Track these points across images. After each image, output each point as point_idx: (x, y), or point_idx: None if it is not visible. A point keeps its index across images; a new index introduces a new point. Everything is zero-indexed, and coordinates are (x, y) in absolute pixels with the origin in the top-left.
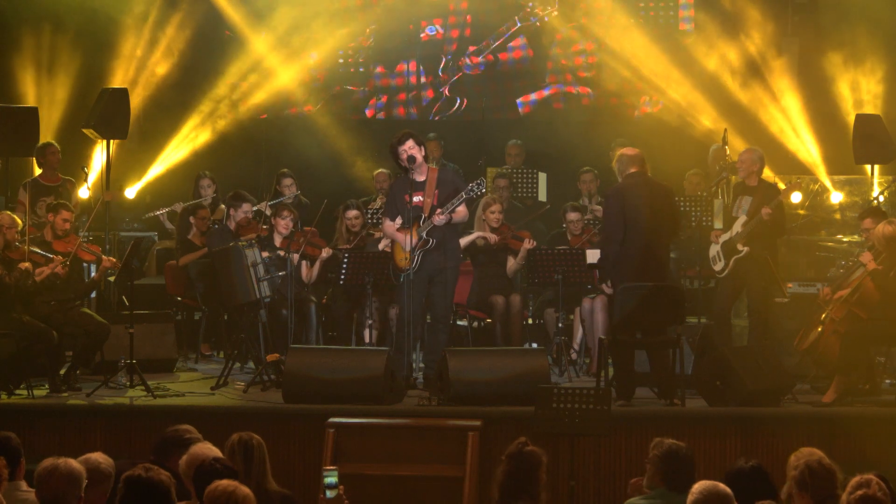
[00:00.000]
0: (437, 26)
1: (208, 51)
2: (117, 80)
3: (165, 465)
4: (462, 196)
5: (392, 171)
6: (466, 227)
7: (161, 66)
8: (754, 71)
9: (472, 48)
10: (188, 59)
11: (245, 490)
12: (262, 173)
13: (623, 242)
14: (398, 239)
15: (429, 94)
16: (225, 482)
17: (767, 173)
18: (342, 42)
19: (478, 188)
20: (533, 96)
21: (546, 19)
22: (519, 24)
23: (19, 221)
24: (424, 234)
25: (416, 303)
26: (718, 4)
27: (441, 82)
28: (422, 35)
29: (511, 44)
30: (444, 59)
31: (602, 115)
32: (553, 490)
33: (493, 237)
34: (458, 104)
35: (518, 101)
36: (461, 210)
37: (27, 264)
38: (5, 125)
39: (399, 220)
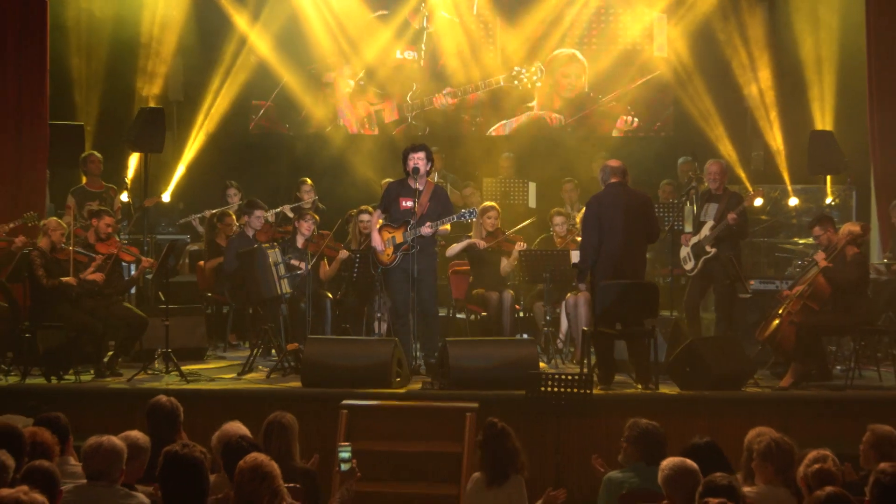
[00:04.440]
0: (414, 53)
1: (236, 75)
2: (150, 101)
3: None
4: (454, 218)
5: (397, 177)
6: (465, 231)
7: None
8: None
9: (448, 90)
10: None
11: (271, 464)
12: (282, 181)
13: (603, 245)
14: (374, 239)
15: (395, 115)
16: (253, 456)
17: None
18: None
19: (469, 215)
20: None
21: (529, 87)
22: (502, 84)
23: (64, 225)
24: (410, 240)
25: (405, 298)
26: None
27: (409, 108)
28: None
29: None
30: (414, 87)
31: (588, 132)
32: (541, 465)
33: (481, 243)
34: (423, 132)
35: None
36: (446, 225)
37: (71, 279)
38: (56, 140)
39: (383, 216)
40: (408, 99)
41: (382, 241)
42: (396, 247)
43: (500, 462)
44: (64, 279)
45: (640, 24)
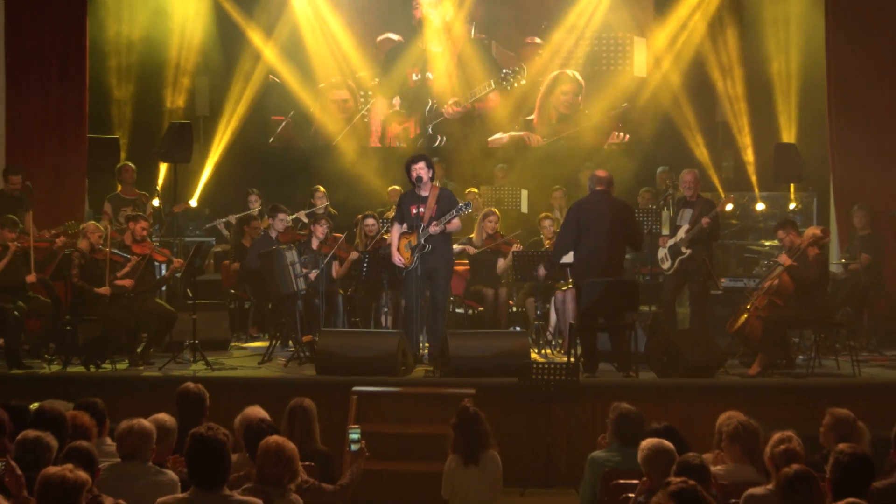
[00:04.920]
0: (428, 73)
1: (254, 87)
2: (178, 115)
3: None
4: (454, 213)
5: (403, 186)
6: (466, 233)
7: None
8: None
9: (453, 98)
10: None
11: (291, 446)
12: (298, 189)
13: (588, 246)
14: (394, 255)
15: (417, 129)
16: (275, 438)
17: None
18: (359, 84)
19: (465, 208)
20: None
21: (515, 85)
22: (492, 87)
23: (102, 228)
24: (423, 241)
25: (420, 295)
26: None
27: (426, 121)
28: (411, 79)
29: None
30: (430, 103)
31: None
32: (532, 445)
33: (471, 249)
34: (438, 141)
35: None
36: (455, 223)
37: (105, 289)
38: (94, 152)
39: (405, 226)
40: (426, 112)
41: (400, 252)
42: (413, 250)
43: (472, 443)
44: (98, 289)
45: (626, 47)
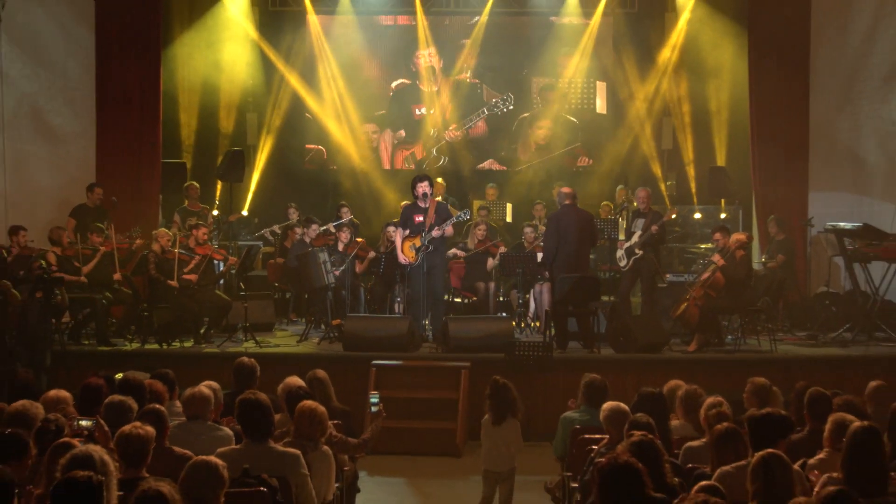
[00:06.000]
0: (424, 109)
1: (292, 121)
2: (232, 144)
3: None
4: (453, 219)
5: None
6: (462, 237)
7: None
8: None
9: (452, 125)
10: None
11: (321, 409)
12: (328, 203)
13: (560, 249)
14: (399, 256)
15: (422, 153)
16: (308, 402)
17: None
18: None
19: (464, 215)
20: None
21: (505, 111)
22: (486, 112)
23: (170, 234)
24: (426, 242)
25: (423, 287)
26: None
27: (430, 146)
28: (415, 115)
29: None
30: (432, 131)
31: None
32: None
33: (461, 253)
34: (441, 160)
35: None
36: (449, 229)
37: (174, 282)
38: (165, 173)
39: (406, 231)
40: (432, 133)
41: (405, 252)
42: (417, 250)
43: (501, 407)
44: (169, 281)
45: (591, 90)
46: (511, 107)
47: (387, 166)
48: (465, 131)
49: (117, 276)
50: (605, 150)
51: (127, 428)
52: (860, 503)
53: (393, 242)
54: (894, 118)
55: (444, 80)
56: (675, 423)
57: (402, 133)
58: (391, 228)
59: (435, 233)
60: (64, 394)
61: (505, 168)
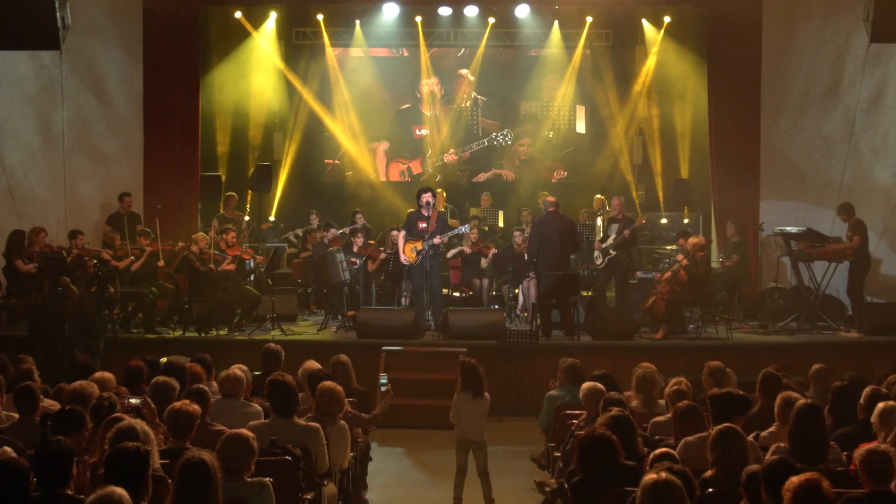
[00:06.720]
0: (426, 130)
1: (312, 139)
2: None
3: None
4: (454, 231)
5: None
6: (459, 240)
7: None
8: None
9: (451, 149)
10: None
11: (339, 388)
12: (344, 209)
13: (544, 251)
14: (401, 256)
15: (419, 168)
16: (327, 382)
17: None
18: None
19: (465, 229)
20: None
21: (503, 143)
22: (486, 144)
23: (207, 237)
24: (427, 247)
25: (423, 284)
26: (598, 117)
27: (428, 163)
28: (416, 135)
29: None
30: (429, 150)
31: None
32: (506, 389)
33: (467, 250)
34: (437, 178)
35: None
36: (443, 237)
37: (212, 265)
38: (203, 185)
39: (406, 234)
40: (427, 158)
41: (406, 253)
42: (418, 252)
43: (477, 384)
44: (210, 265)
45: (572, 112)
46: (510, 141)
47: (382, 178)
48: (461, 155)
49: (161, 263)
50: (584, 165)
51: (178, 404)
52: (799, 468)
53: (397, 244)
54: (825, 133)
55: (443, 109)
56: (637, 402)
57: (387, 144)
58: (394, 233)
59: (436, 240)
60: (108, 375)
61: (497, 177)
